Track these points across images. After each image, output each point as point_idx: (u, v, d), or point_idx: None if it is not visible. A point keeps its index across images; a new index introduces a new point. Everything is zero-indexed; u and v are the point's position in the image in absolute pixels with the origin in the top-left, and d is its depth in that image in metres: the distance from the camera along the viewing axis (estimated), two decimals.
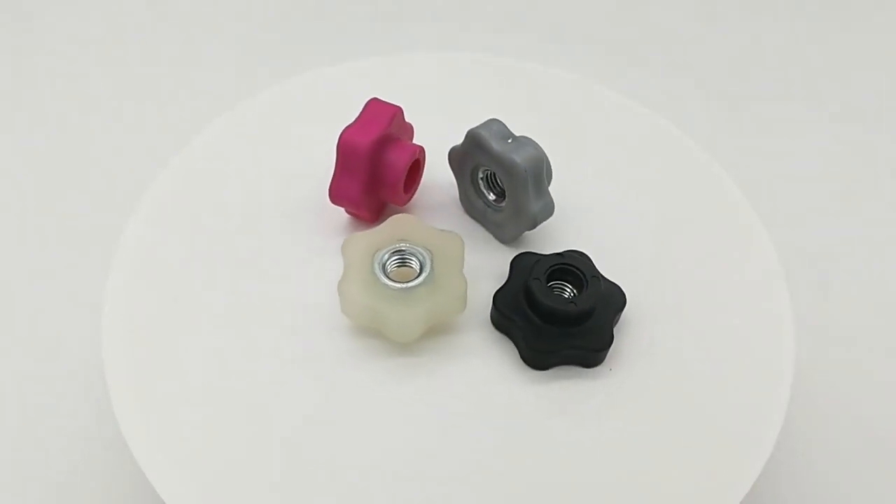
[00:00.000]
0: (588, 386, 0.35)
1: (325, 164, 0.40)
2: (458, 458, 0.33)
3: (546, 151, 0.38)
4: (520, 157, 0.36)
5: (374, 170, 0.38)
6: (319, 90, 0.48)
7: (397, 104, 0.39)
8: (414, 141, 0.42)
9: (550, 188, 0.39)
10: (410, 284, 0.34)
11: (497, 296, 0.36)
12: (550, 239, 0.40)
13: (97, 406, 0.51)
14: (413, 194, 0.41)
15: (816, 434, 0.53)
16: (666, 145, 0.46)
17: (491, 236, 0.41)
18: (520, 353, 0.36)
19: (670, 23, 0.84)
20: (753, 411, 0.35)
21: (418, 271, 0.35)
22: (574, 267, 0.36)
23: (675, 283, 0.39)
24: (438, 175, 0.42)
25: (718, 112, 0.75)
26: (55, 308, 0.56)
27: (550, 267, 0.36)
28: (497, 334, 0.37)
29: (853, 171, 0.71)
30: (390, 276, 0.35)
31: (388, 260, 0.35)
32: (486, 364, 0.36)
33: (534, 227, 0.38)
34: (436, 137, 0.41)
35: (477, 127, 0.38)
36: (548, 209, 0.38)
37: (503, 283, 0.37)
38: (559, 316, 0.35)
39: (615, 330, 0.36)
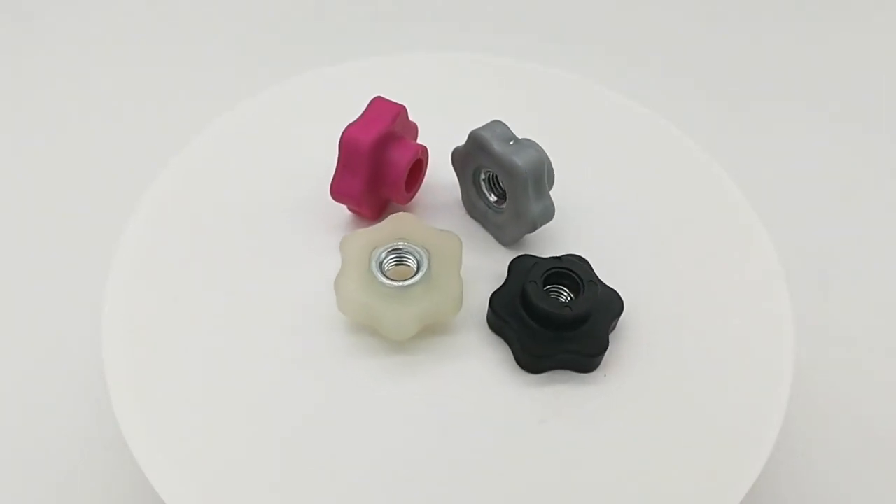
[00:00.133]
0: (584, 390, 0.35)
1: (326, 163, 0.40)
2: (454, 459, 0.33)
3: (546, 152, 0.38)
4: (520, 160, 0.36)
5: (375, 167, 0.38)
6: (319, 90, 0.48)
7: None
8: (416, 141, 0.42)
9: (552, 190, 0.39)
10: (407, 283, 0.34)
11: (493, 297, 0.36)
12: (551, 241, 0.40)
13: (97, 406, 0.51)
14: (415, 193, 0.41)
15: (816, 434, 0.53)
16: (666, 145, 0.46)
17: (491, 238, 0.41)
18: (514, 355, 0.36)
19: (670, 23, 0.84)
20: (753, 411, 0.35)
21: (415, 270, 0.35)
22: (571, 271, 0.36)
23: (675, 284, 0.39)
24: (441, 175, 0.42)
25: (718, 112, 0.75)
26: (55, 308, 0.56)
27: (547, 270, 0.36)
28: (493, 336, 0.37)
29: (853, 171, 0.71)
30: (387, 274, 0.35)
31: (385, 258, 0.35)
32: (481, 365, 0.36)
33: (533, 229, 0.38)
34: (436, 137, 0.41)
35: (479, 128, 0.38)
36: (548, 212, 0.38)
37: (501, 284, 0.37)
38: (554, 320, 0.34)
39: (613, 335, 0.36)
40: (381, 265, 0.35)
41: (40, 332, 0.55)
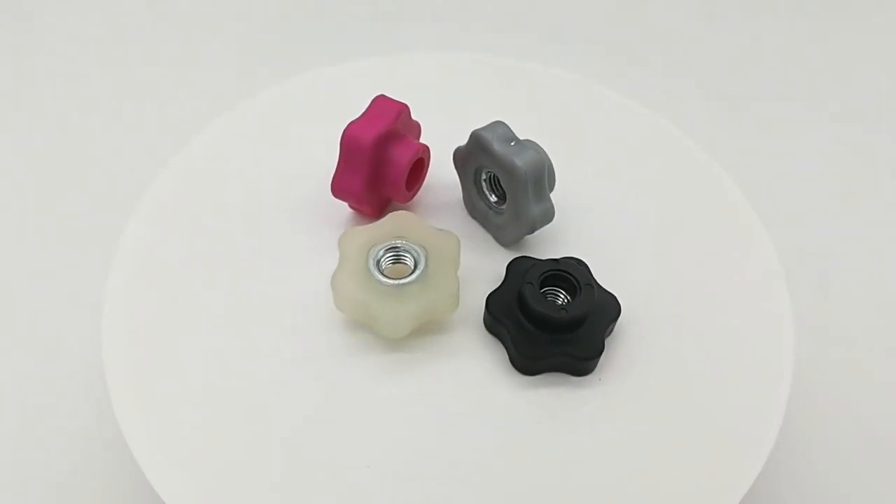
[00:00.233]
0: (579, 393, 0.35)
1: (326, 163, 0.40)
2: (447, 459, 0.33)
3: (546, 151, 0.38)
4: (521, 161, 0.36)
5: (376, 165, 0.38)
6: (319, 90, 0.48)
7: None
8: (419, 140, 0.42)
9: (553, 192, 0.39)
10: (403, 281, 0.34)
11: (490, 298, 0.36)
12: (551, 242, 0.40)
13: (97, 406, 0.51)
14: (416, 192, 0.41)
15: (816, 434, 0.53)
16: (666, 145, 0.46)
17: (491, 238, 0.41)
18: (509, 356, 0.36)
19: (670, 23, 0.84)
20: (753, 411, 0.35)
21: (412, 269, 0.35)
22: (568, 273, 0.35)
23: (674, 284, 0.39)
24: (444, 175, 0.42)
25: (718, 112, 0.75)
26: (55, 308, 0.56)
27: (544, 272, 0.35)
28: (489, 337, 0.37)
29: (853, 171, 0.71)
30: (384, 272, 0.35)
31: (382, 256, 0.35)
32: (476, 366, 0.36)
33: (532, 231, 0.38)
34: (436, 137, 0.41)
35: (481, 128, 0.38)
36: (548, 215, 0.38)
37: (498, 285, 0.37)
38: (550, 322, 0.34)
39: (611, 336, 0.36)
40: (378, 263, 0.35)
41: (40, 332, 0.55)
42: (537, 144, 0.38)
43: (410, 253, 0.35)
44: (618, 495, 0.32)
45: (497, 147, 0.37)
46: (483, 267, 0.39)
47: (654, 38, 0.82)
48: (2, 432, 0.51)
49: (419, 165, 0.40)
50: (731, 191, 0.44)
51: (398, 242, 0.35)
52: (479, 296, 0.37)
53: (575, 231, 0.41)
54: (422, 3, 0.84)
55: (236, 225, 0.41)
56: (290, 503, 0.32)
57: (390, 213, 0.37)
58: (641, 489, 0.33)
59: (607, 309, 0.36)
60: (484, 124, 0.38)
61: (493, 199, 0.40)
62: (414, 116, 0.40)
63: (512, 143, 0.37)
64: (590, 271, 0.37)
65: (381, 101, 0.39)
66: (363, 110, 0.38)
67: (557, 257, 0.37)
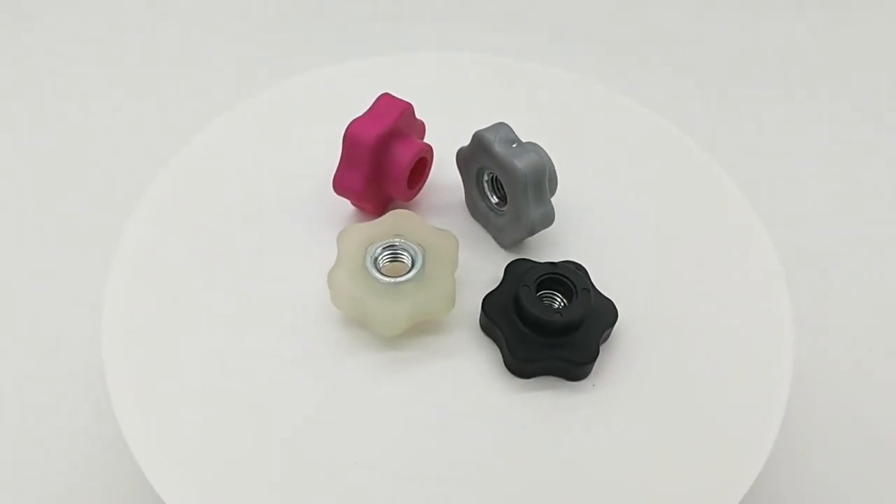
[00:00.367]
0: (574, 396, 0.35)
1: (325, 164, 0.40)
2: (443, 459, 0.33)
3: (546, 151, 0.38)
4: (521, 163, 0.36)
5: (378, 163, 0.38)
6: (319, 90, 0.48)
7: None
8: (423, 139, 0.42)
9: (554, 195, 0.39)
10: (399, 280, 0.34)
11: (486, 300, 0.36)
12: (552, 244, 0.40)
13: (97, 406, 0.51)
14: (418, 191, 0.41)
15: (816, 434, 0.53)
16: (666, 145, 0.46)
17: (492, 239, 0.40)
18: (503, 359, 0.35)
19: (670, 23, 0.84)
20: (753, 411, 0.35)
21: (409, 267, 0.35)
22: (565, 277, 0.35)
23: (674, 284, 0.39)
24: (448, 175, 0.42)
25: (718, 112, 0.75)
26: (55, 308, 0.56)
27: (541, 276, 0.35)
28: (485, 338, 0.36)
29: (853, 171, 0.71)
30: (382, 270, 0.35)
31: (380, 254, 0.35)
32: (471, 367, 0.36)
33: (532, 233, 0.38)
34: (437, 137, 0.41)
35: (483, 129, 0.38)
36: (548, 218, 0.38)
37: (495, 287, 0.37)
38: (545, 326, 0.34)
39: (612, 336, 0.36)
40: (375, 261, 0.35)
41: (40, 332, 0.55)
42: (540, 147, 0.38)
43: (408, 251, 0.35)
44: (618, 495, 0.32)
45: (498, 148, 0.37)
46: (482, 268, 0.39)
47: (654, 38, 0.82)
48: (2, 432, 0.51)
49: (421, 164, 0.40)
50: (731, 191, 0.44)
51: (396, 241, 0.35)
52: (477, 297, 0.37)
53: (575, 232, 0.41)
54: (422, 3, 0.84)
55: (236, 225, 0.41)
56: (290, 503, 0.32)
57: (390, 212, 0.37)
58: (641, 489, 0.33)
59: (604, 314, 0.36)
60: (485, 124, 0.38)
61: (495, 200, 0.40)
62: None
63: (514, 145, 0.37)
64: (588, 276, 0.36)
65: (385, 100, 0.39)
66: (365, 109, 0.38)
67: (557, 260, 0.37)
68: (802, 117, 0.75)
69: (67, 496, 0.48)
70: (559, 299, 0.36)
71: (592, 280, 0.37)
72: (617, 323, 0.36)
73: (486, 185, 0.40)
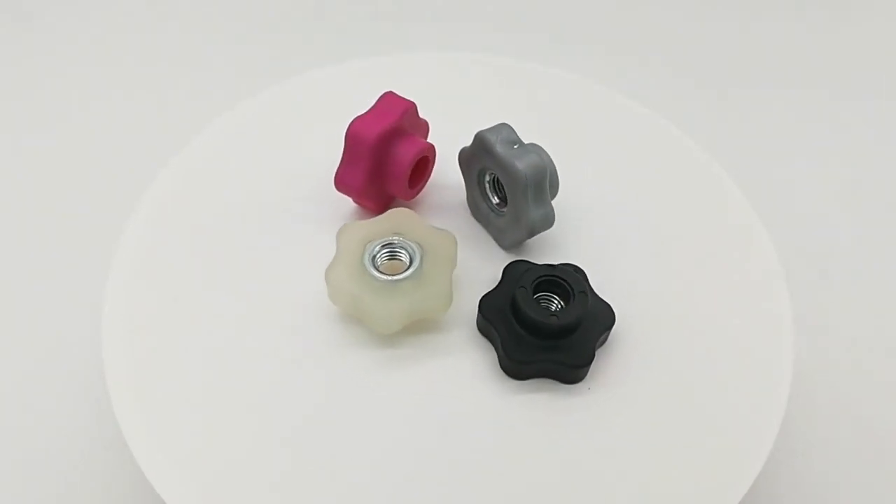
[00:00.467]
0: (569, 399, 0.35)
1: (326, 163, 0.40)
2: (435, 458, 0.33)
3: (547, 152, 0.38)
4: (522, 164, 0.36)
5: (380, 161, 0.38)
6: (319, 90, 0.48)
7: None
8: (426, 138, 0.42)
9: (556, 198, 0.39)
10: (396, 278, 0.34)
11: (483, 300, 0.36)
12: (552, 246, 0.40)
13: (97, 406, 0.51)
14: (420, 190, 0.41)
15: (816, 434, 0.53)
16: (666, 145, 0.46)
17: (493, 240, 0.40)
18: (499, 360, 0.35)
19: (670, 23, 0.84)
20: (753, 411, 0.35)
21: (407, 265, 0.35)
22: (563, 280, 0.35)
23: (675, 284, 0.39)
24: (451, 175, 0.42)
25: (718, 112, 0.75)
26: (55, 308, 0.56)
27: (539, 278, 0.35)
28: (482, 339, 0.36)
29: (853, 171, 0.71)
30: (380, 268, 0.35)
31: (378, 252, 0.35)
32: (466, 367, 0.35)
33: (531, 235, 0.38)
34: (437, 137, 0.41)
35: (485, 129, 0.38)
36: (548, 220, 0.38)
37: (493, 288, 0.37)
38: (541, 328, 0.34)
39: (609, 341, 0.36)
40: (373, 258, 0.35)
41: (40, 332, 0.55)
42: (542, 149, 0.38)
43: (406, 250, 0.35)
44: (618, 495, 0.32)
45: (500, 149, 0.37)
46: (482, 268, 0.39)
47: (654, 38, 0.82)
48: (2, 432, 0.51)
49: (423, 163, 0.40)
50: (731, 191, 0.44)
51: (395, 239, 0.36)
52: (476, 297, 0.36)
53: (575, 232, 0.41)
54: (422, 3, 0.84)
55: (236, 225, 0.41)
56: (290, 503, 0.32)
57: (390, 210, 0.37)
58: (641, 489, 0.33)
59: (601, 318, 0.35)
60: (485, 124, 0.38)
61: (496, 201, 0.40)
62: None
63: (515, 146, 0.37)
64: (586, 278, 0.36)
65: (388, 98, 0.39)
66: (365, 109, 0.38)
67: (556, 262, 0.37)
68: (802, 117, 0.75)
69: (67, 496, 0.48)
70: (556, 302, 0.36)
71: (592, 283, 0.37)
72: (617, 324, 0.36)
73: (487, 185, 0.40)
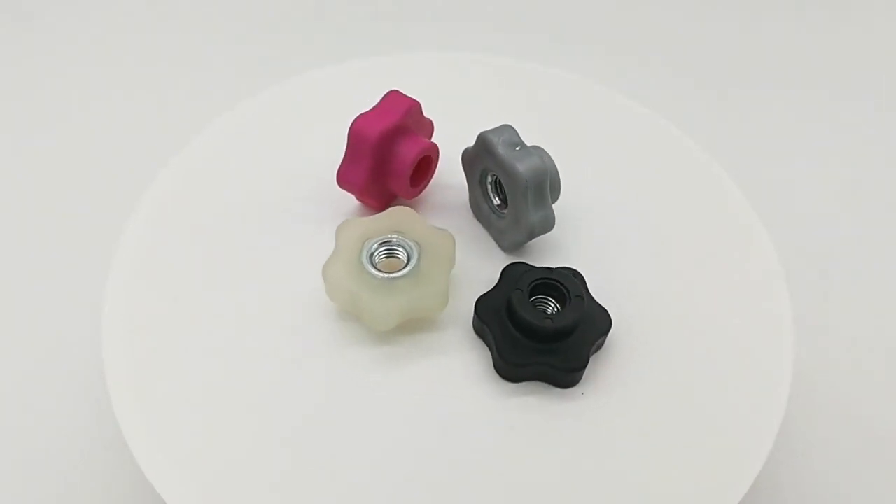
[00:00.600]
0: (563, 404, 0.35)
1: (326, 163, 0.40)
2: (436, 459, 0.33)
3: (549, 154, 0.38)
4: (523, 166, 0.36)
5: (382, 159, 0.38)
6: (319, 90, 0.48)
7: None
8: (430, 138, 0.42)
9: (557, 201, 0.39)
10: (393, 275, 0.34)
11: (479, 302, 0.36)
12: (552, 248, 0.40)
13: (97, 406, 0.51)
14: (422, 189, 0.41)
15: (816, 434, 0.53)
16: (666, 145, 0.46)
17: (493, 241, 0.40)
18: (493, 361, 0.35)
19: (670, 23, 0.84)
20: (753, 411, 0.35)
21: (404, 264, 0.35)
22: (559, 283, 0.35)
23: (674, 284, 0.39)
24: (455, 175, 0.42)
25: (718, 112, 0.75)
26: (55, 308, 0.56)
27: (535, 280, 0.35)
28: (477, 340, 0.36)
29: (853, 171, 0.71)
30: (378, 265, 0.35)
31: (376, 249, 0.35)
32: (460, 367, 0.35)
33: (531, 237, 0.38)
34: (437, 137, 0.41)
35: (488, 130, 0.38)
36: (548, 222, 0.38)
37: (489, 289, 0.37)
38: (536, 331, 0.34)
39: (608, 343, 0.36)
40: (371, 256, 0.35)
41: (40, 332, 0.55)
42: (544, 151, 0.38)
43: (404, 248, 0.35)
44: (618, 495, 0.32)
45: (501, 150, 0.37)
46: (481, 269, 0.39)
47: (654, 38, 0.82)
48: (2, 432, 0.51)
49: (426, 162, 0.40)
50: (731, 191, 0.44)
51: (393, 237, 0.36)
52: (474, 297, 0.36)
53: (574, 233, 0.41)
54: (422, 3, 0.84)
55: (236, 225, 0.41)
56: (290, 503, 0.32)
57: (390, 208, 0.37)
58: (641, 489, 0.33)
59: (597, 322, 0.35)
60: (485, 125, 0.38)
61: (497, 202, 0.40)
62: None
63: (517, 148, 0.37)
64: (584, 282, 0.36)
65: (392, 96, 0.39)
66: (365, 109, 0.38)
67: (556, 264, 0.37)
68: (802, 117, 0.75)
69: (67, 496, 0.48)
70: (552, 305, 0.36)
71: (591, 283, 0.36)
72: (617, 324, 0.36)
73: (489, 186, 0.40)
